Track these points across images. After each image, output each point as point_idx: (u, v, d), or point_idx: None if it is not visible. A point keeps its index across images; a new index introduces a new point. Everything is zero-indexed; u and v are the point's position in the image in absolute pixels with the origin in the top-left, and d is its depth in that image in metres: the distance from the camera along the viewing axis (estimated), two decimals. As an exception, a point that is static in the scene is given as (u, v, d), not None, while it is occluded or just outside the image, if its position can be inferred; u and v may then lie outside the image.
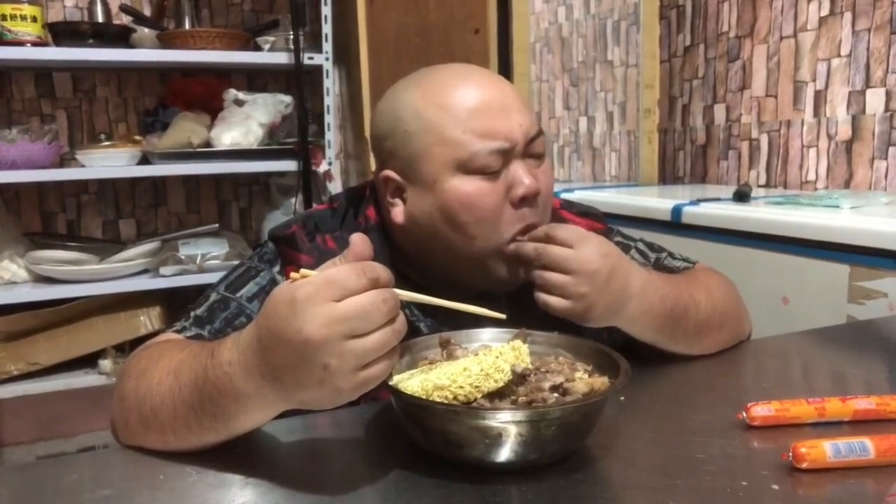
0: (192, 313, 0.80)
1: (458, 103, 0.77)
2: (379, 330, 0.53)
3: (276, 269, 0.84)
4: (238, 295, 0.81)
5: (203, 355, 0.60)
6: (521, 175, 0.78)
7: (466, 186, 0.77)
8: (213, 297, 0.81)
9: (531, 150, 0.80)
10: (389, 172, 0.82)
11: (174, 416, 0.61)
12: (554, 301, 0.75)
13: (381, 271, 0.55)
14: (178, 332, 0.77)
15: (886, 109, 1.72)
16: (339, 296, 0.52)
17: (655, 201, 1.77)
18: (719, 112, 2.21)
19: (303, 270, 0.55)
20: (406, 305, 0.81)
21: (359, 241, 0.57)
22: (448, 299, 0.68)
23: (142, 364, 0.69)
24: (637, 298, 0.77)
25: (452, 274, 0.82)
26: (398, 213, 0.82)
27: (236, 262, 0.89)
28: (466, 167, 0.77)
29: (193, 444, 0.62)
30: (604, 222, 0.96)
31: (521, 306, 0.85)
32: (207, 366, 0.59)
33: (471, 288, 0.82)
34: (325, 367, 0.52)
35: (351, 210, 0.88)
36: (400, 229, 0.82)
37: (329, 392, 0.54)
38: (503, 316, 0.65)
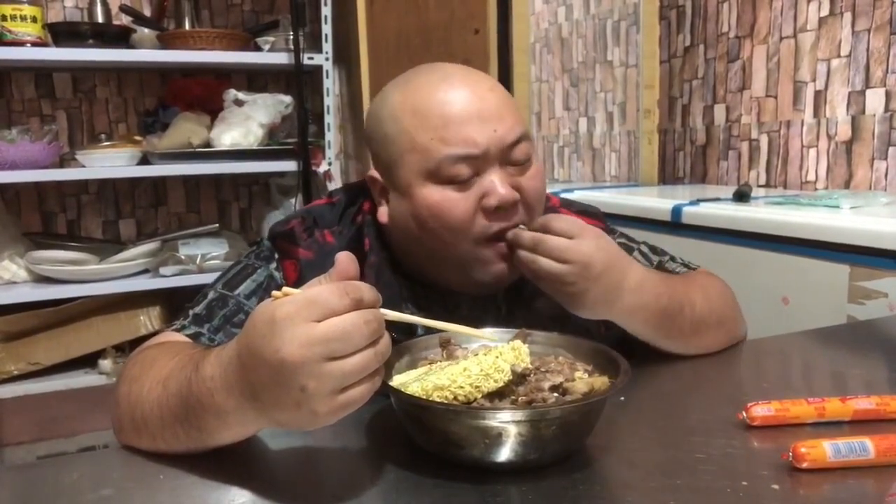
0: (191, 312, 0.80)
1: (431, 109, 0.76)
2: (360, 352, 0.51)
3: (273, 265, 0.84)
4: (236, 293, 0.81)
5: (189, 367, 0.60)
6: (496, 184, 0.76)
7: (435, 195, 0.76)
8: (211, 295, 0.81)
9: (511, 157, 0.77)
10: (374, 173, 0.83)
11: (162, 425, 0.61)
12: (545, 285, 0.76)
13: (366, 291, 0.53)
14: (178, 330, 0.78)
15: (886, 109, 1.72)
16: (319, 316, 0.50)
17: (655, 201, 1.77)
18: (719, 112, 2.21)
19: (285, 289, 0.53)
20: (400, 302, 0.82)
21: (344, 259, 0.54)
22: (440, 292, 0.74)
23: (135, 370, 0.69)
24: (632, 293, 0.76)
25: (438, 274, 0.82)
26: (383, 213, 0.82)
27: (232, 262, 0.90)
28: (435, 176, 0.75)
29: (183, 451, 0.62)
30: (603, 220, 0.96)
31: (518, 304, 0.85)
32: (192, 379, 0.58)
33: (458, 288, 0.82)
34: (303, 389, 0.50)
35: (349, 205, 0.88)
36: (387, 228, 0.83)
37: (306, 415, 0.52)
38: (480, 332, 0.67)
